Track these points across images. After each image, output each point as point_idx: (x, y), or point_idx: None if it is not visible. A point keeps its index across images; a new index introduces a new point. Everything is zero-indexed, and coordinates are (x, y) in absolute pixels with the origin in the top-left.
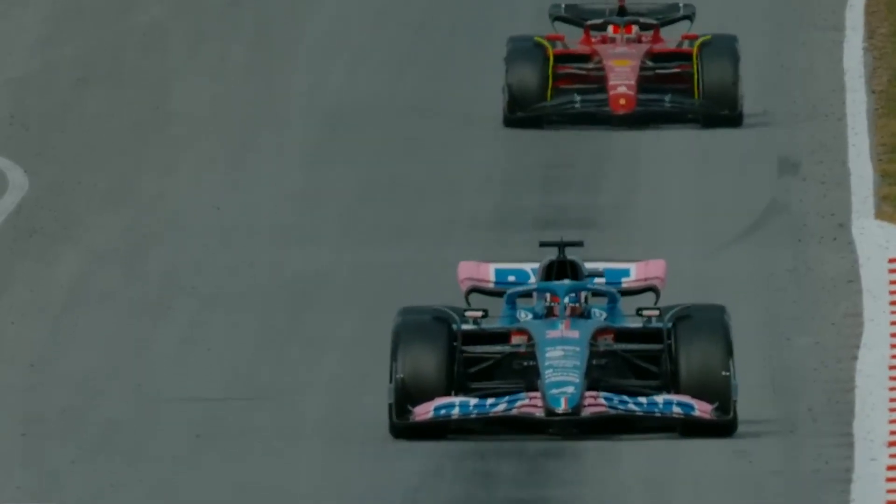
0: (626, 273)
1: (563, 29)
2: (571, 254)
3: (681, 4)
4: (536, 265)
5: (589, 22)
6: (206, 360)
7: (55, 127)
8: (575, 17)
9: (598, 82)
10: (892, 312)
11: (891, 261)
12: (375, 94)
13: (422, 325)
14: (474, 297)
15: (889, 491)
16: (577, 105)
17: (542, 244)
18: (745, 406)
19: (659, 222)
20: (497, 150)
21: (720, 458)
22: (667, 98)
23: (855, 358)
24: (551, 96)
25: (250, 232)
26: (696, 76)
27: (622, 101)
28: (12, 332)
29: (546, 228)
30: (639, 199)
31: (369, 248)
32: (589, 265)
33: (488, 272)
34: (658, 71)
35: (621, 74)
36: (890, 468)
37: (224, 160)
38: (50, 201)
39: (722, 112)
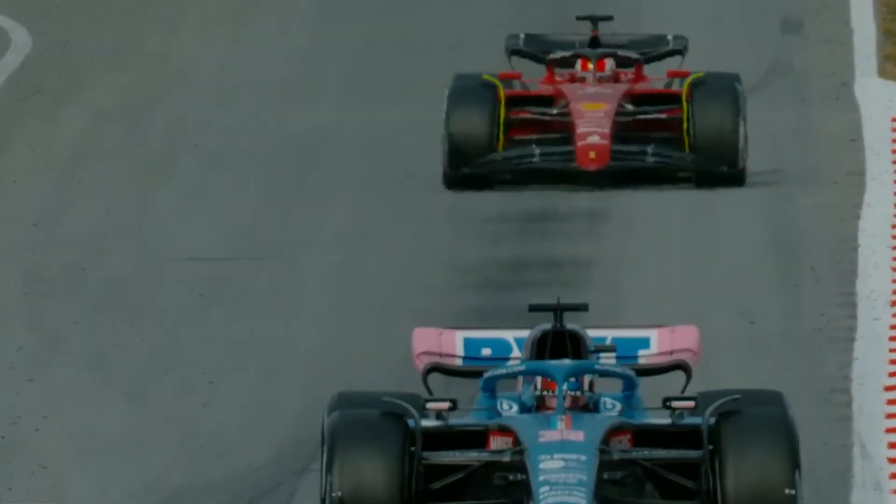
0: (644, 344)
1: (522, 65)
2: (571, 321)
3: (670, 37)
4: (521, 333)
5: (553, 56)
6: (209, 218)
7: None
8: (537, 51)
9: (564, 131)
10: (895, 171)
11: (893, 119)
12: None
13: (366, 422)
14: (436, 379)
15: (891, 350)
16: (536, 159)
17: (532, 308)
18: (749, 266)
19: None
20: (502, 7)
21: (722, 319)
22: (649, 150)
23: (858, 217)
24: (503, 148)
25: (254, 90)
26: (686, 123)
27: (592, 155)
28: (15, 190)
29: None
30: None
31: (373, 105)
32: (594, 332)
33: (454, 343)
34: (639, 116)
35: (592, 121)
36: (892, 327)
37: (228, 18)
38: (53, 60)
39: (719, 168)
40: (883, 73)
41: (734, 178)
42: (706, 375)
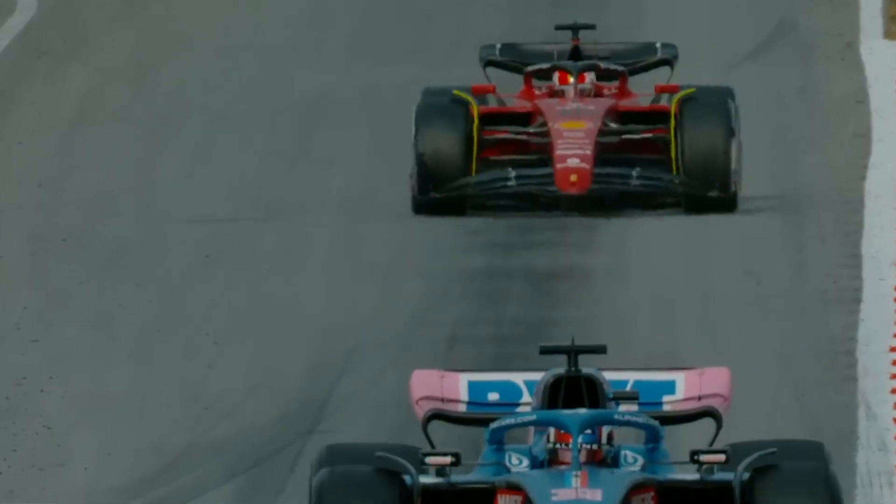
0: (669, 388)
1: (498, 78)
2: (587, 364)
3: (658, 45)
4: (532, 376)
5: (530, 68)
6: (214, 179)
7: None
8: (513, 62)
9: (542, 151)
10: None
11: None
12: None
13: (358, 480)
14: (437, 427)
15: None
16: (512, 182)
17: (544, 350)
18: (754, 225)
19: (669, 42)
20: None
21: (728, 279)
22: (635, 173)
23: (863, 178)
24: (476, 170)
25: (259, 51)
26: (674, 143)
27: (573, 178)
28: (20, 151)
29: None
30: (648, 20)
31: (378, 66)
32: (613, 375)
33: (457, 387)
34: (624, 136)
35: (573, 141)
36: None
37: None
38: (58, 21)
39: (709, 193)
40: (889, 34)
41: (726, 202)
42: (711, 336)
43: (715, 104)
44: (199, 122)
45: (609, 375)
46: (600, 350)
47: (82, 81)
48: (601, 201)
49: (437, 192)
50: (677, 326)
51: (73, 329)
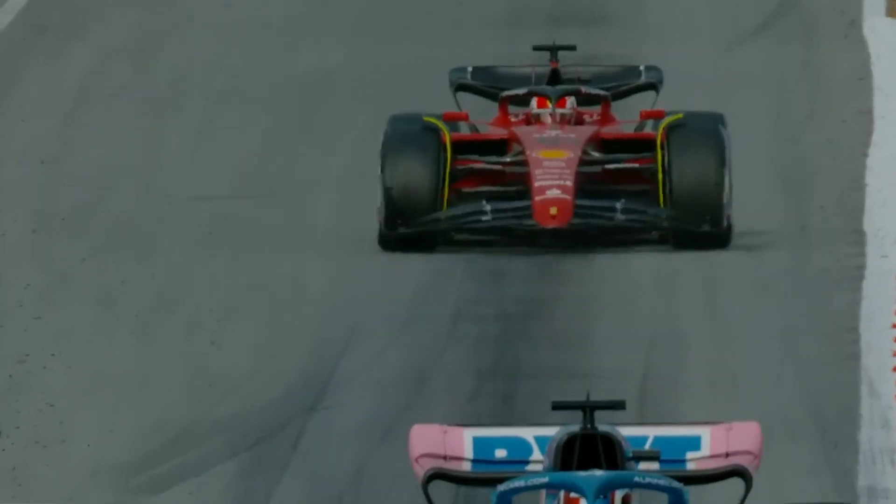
0: (694, 445)
1: (470, 103)
2: (603, 422)
3: (641, 67)
4: (543, 431)
5: (506, 93)
6: (216, 157)
7: None
8: (486, 86)
9: (519, 182)
10: None
11: None
12: None
13: None
14: (439, 487)
15: None
16: (487, 216)
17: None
18: (758, 204)
19: (671, 20)
20: None
21: (729, 258)
22: (619, 206)
23: (865, 155)
24: (448, 203)
25: (261, 28)
26: (661, 174)
27: (553, 211)
28: (22, 128)
29: (557, 26)
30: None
31: (380, 45)
32: (630, 431)
33: (461, 444)
34: (607, 166)
35: (552, 171)
36: None
37: None
38: None
39: (700, 227)
40: (891, 12)
41: (717, 238)
42: (714, 314)
43: (705, 131)
44: (201, 100)
45: (628, 431)
46: (618, 406)
47: (84, 59)
48: (583, 236)
49: (405, 227)
50: (679, 305)
51: (76, 306)
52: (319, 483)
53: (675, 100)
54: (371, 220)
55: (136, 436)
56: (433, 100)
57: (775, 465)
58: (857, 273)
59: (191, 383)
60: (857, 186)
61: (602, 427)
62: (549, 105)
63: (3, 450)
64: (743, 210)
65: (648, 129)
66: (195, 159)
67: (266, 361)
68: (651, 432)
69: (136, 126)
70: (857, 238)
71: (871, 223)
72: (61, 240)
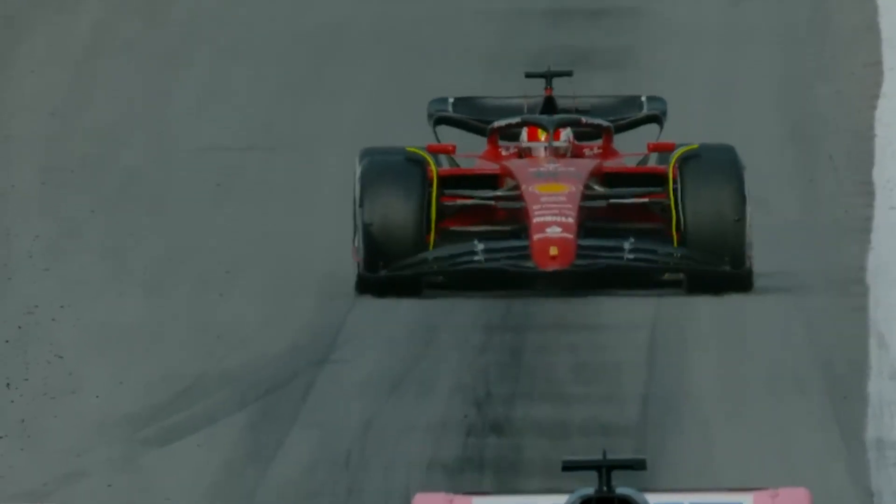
0: None
1: (453, 138)
2: (623, 484)
3: (643, 98)
4: (555, 500)
5: (497, 123)
6: (226, 110)
7: None
8: (471, 118)
9: (515, 221)
10: None
11: None
12: None
13: None
14: None
15: None
16: (480, 257)
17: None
18: (767, 156)
19: None
20: None
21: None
22: (627, 245)
23: (874, 107)
24: (435, 244)
25: None
26: (675, 210)
27: (553, 251)
28: (32, 80)
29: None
30: None
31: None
32: (660, 498)
33: None
34: (613, 201)
35: (552, 207)
36: None
37: None
38: None
39: (718, 268)
40: None
41: (738, 281)
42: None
43: (723, 163)
44: (210, 54)
45: (658, 499)
46: (639, 465)
47: (95, 12)
48: (587, 279)
49: (387, 270)
50: None
51: (85, 258)
52: (328, 435)
53: (683, 55)
54: None
55: (144, 387)
56: (445, 56)
57: (783, 418)
58: (865, 224)
59: (200, 335)
60: (865, 138)
61: (621, 490)
62: (543, 137)
63: (12, 401)
64: (752, 161)
65: (653, 163)
66: (204, 113)
67: (275, 314)
68: (686, 499)
69: (146, 79)
70: (866, 189)
71: (879, 174)
72: (71, 192)
